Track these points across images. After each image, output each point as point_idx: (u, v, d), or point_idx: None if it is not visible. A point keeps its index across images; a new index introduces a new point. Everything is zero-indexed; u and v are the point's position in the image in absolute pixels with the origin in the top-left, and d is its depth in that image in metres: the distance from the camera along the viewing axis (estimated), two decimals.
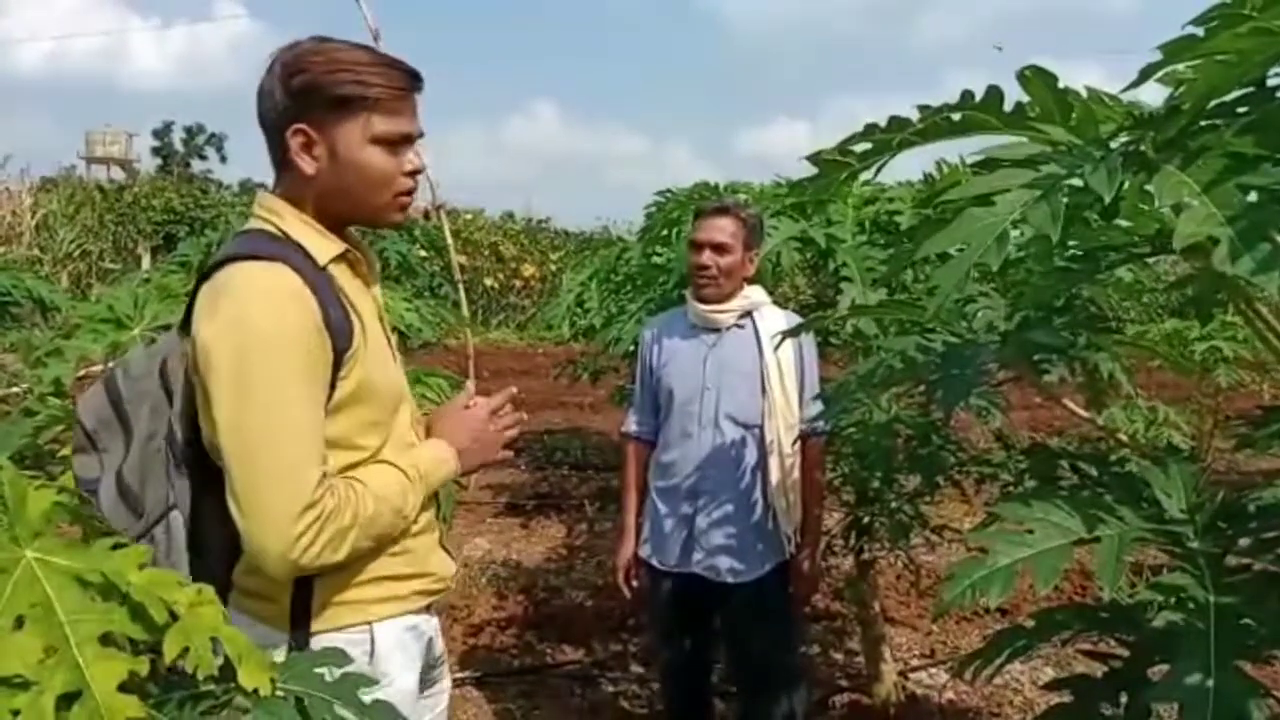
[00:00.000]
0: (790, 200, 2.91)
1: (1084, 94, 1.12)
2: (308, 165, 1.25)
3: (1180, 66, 1.01)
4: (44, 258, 15.60)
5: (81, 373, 2.04)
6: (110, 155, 36.13)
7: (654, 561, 2.43)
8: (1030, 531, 1.13)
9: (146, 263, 15.83)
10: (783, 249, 2.69)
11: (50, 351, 1.97)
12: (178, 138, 44.11)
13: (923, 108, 1.12)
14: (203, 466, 1.22)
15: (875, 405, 2.62)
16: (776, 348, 2.27)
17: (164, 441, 1.24)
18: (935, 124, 1.11)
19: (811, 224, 2.77)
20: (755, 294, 2.41)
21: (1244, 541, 1.15)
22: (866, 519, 2.98)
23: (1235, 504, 1.22)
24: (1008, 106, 1.09)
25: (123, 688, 0.80)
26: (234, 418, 1.15)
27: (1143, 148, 1.02)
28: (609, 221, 18.92)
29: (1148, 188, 0.96)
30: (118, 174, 28.17)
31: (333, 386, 1.22)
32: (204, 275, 1.23)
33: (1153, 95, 1.11)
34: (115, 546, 0.89)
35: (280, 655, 1.16)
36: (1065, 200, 0.95)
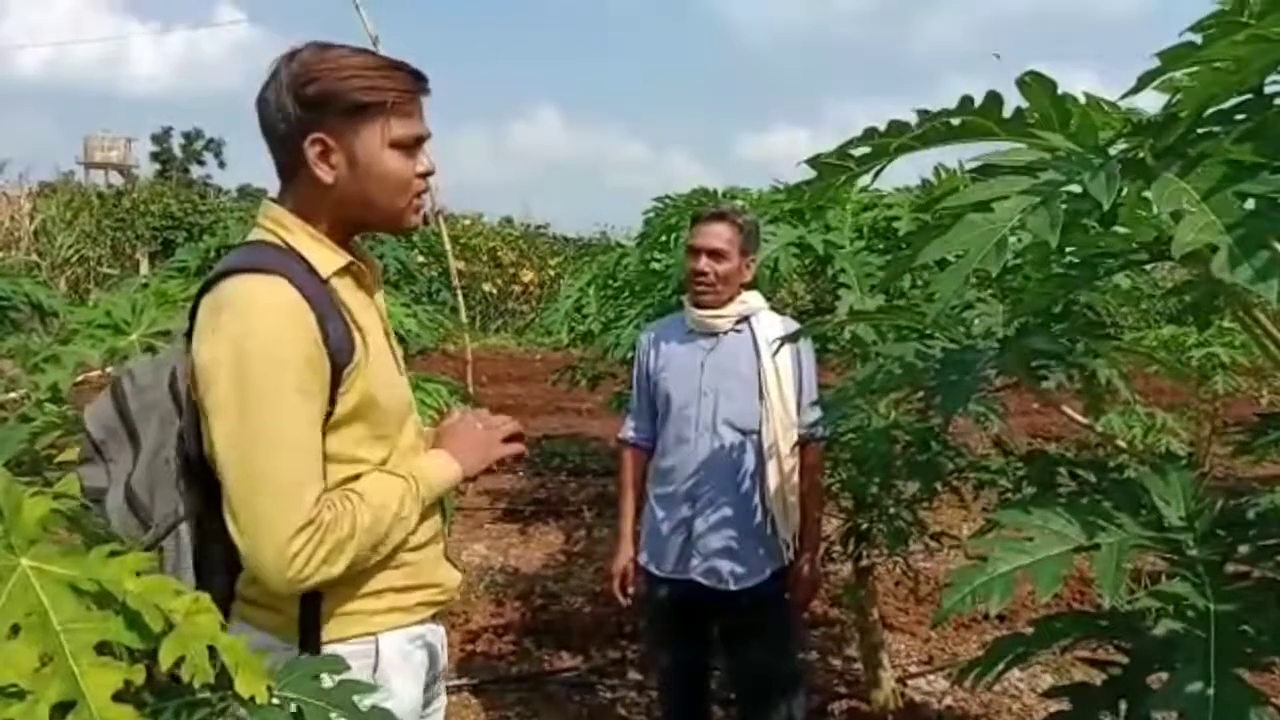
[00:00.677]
0: (789, 206, 2.92)
1: (1083, 100, 1.12)
2: (326, 174, 1.24)
3: (1178, 73, 1.01)
4: (42, 263, 15.58)
5: (79, 378, 2.03)
6: (109, 160, 36.14)
7: (651, 568, 2.42)
8: (1030, 538, 1.13)
9: (144, 268, 15.84)
10: (781, 254, 2.70)
11: (48, 357, 1.97)
12: (176, 143, 44.25)
13: (921, 112, 1.12)
14: (210, 479, 1.22)
15: (874, 411, 2.62)
16: (775, 353, 2.27)
17: (172, 454, 1.24)
18: (934, 129, 1.11)
19: (810, 230, 2.77)
20: (753, 299, 2.41)
21: (1243, 548, 1.14)
22: (865, 525, 2.98)
23: (1234, 511, 1.21)
24: (1007, 112, 1.10)
25: (118, 697, 0.79)
26: (231, 435, 1.15)
27: (1141, 155, 1.02)
28: (607, 227, 18.95)
29: (1146, 194, 0.96)
30: (116, 179, 28.14)
31: (333, 402, 1.22)
32: (204, 287, 1.23)
33: (1151, 102, 1.12)
34: (112, 554, 0.89)
35: None
36: (1064, 207, 0.95)
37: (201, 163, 44.42)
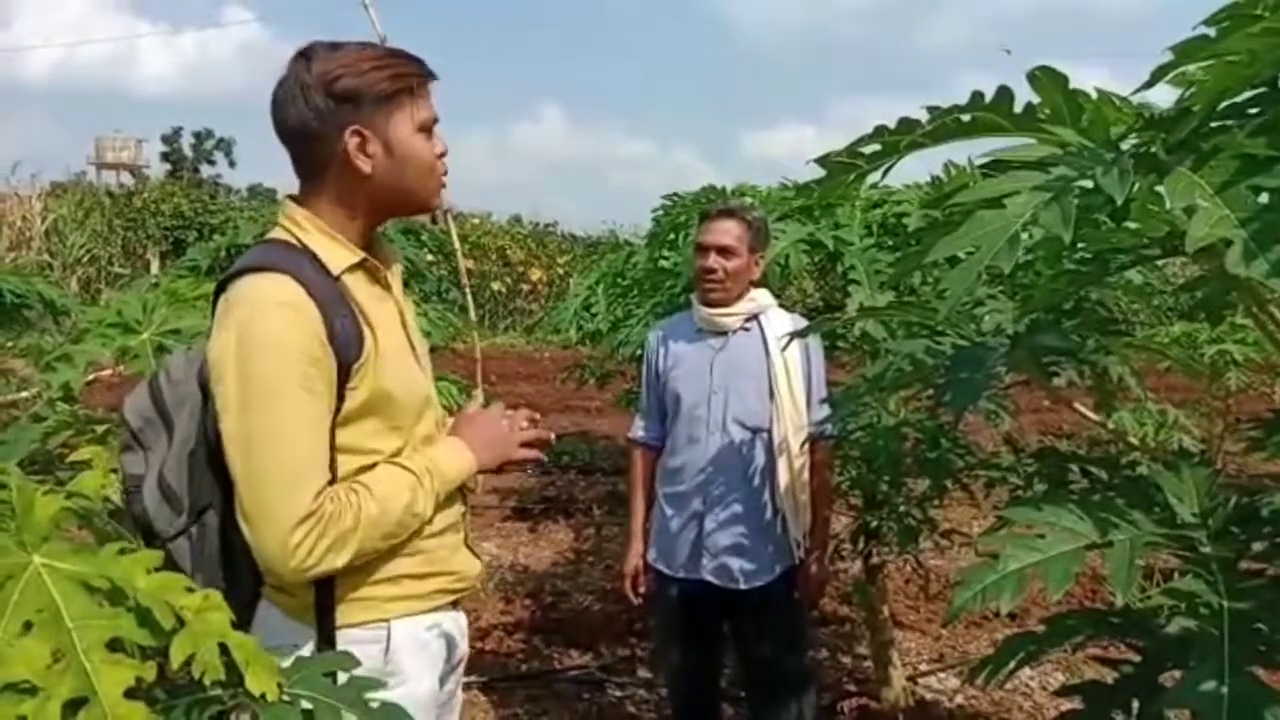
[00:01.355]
0: (798, 203, 2.91)
1: (1094, 95, 1.11)
2: (365, 164, 1.28)
3: (1191, 67, 1.01)
4: (54, 263, 15.68)
5: (90, 377, 2.04)
6: (120, 161, 36.38)
7: (661, 567, 2.42)
8: (1041, 536, 1.12)
9: (155, 268, 15.93)
10: (791, 252, 2.69)
11: (60, 356, 1.98)
12: (186, 143, 44.46)
13: (932, 109, 1.12)
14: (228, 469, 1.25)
15: (883, 408, 2.61)
16: (784, 349, 2.26)
17: (197, 444, 1.28)
18: (945, 125, 1.11)
19: (819, 227, 2.76)
20: (762, 297, 2.41)
21: (1257, 546, 1.13)
22: (875, 523, 2.97)
23: (1248, 508, 1.21)
24: (1017, 108, 1.09)
25: (129, 693, 0.80)
26: (237, 428, 1.19)
27: (1154, 149, 1.01)
28: (616, 225, 18.94)
29: (1159, 189, 0.95)
30: (127, 179, 28.32)
31: (341, 398, 1.24)
32: (221, 285, 1.27)
33: (1163, 97, 1.11)
34: (122, 552, 0.89)
35: (308, 649, 1.23)
36: (1076, 202, 0.95)
37: (212, 162, 44.63)
